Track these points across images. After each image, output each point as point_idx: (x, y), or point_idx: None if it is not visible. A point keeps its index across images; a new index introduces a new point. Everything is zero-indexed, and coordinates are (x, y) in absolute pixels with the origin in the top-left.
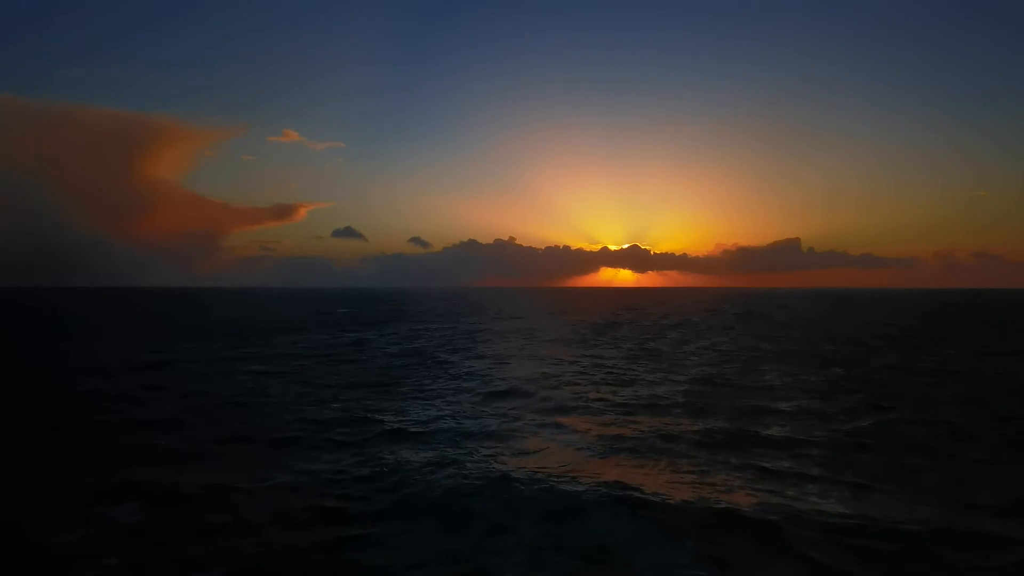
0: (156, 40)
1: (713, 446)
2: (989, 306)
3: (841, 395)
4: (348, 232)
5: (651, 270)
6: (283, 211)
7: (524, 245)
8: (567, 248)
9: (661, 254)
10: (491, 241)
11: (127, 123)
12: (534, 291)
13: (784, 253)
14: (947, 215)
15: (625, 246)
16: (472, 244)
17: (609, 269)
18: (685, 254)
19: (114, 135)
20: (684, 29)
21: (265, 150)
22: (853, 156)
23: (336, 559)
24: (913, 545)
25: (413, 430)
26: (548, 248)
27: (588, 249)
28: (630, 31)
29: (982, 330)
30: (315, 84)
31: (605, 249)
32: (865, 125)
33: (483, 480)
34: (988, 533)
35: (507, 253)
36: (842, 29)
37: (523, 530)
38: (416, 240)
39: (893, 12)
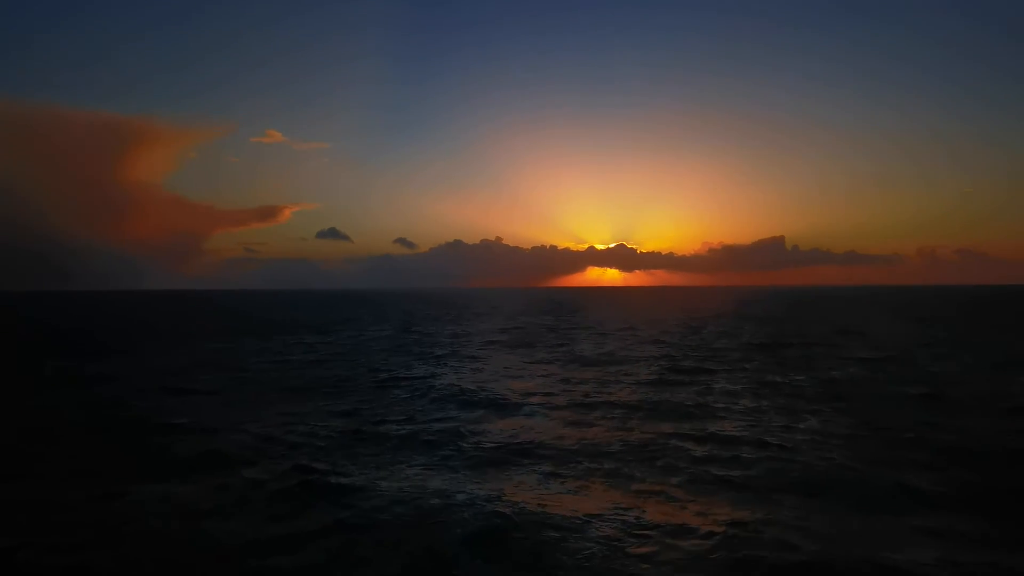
0: (139, 41)
1: None
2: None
3: None
4: (332, 233)
5: (638, 269)
6: (267, 212)
7: (511, 245)
8: (554, 248)
9: (647, 253)
10: (477, 241)
11: (108, 124)
12: (526, 292)
13: (769, 251)
14: (931, 212)
15: (612, 245)
16: (458, 245)
17: (596, 269)
18: (672, 253)
19: (95, 137)
20: (669, 27)
21: (248, 151)
22: (838, 153)
23: None
24: None
25: None
26: (535, 248)
27: (575, 249)
28: (615, 29)
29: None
30: (298, 85)
31: (592, 248)
32: (850, 121)
33: None
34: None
35: (494, 253)
36: (826, 24)
37: None
38: (402, 241)
39: (875, 5)
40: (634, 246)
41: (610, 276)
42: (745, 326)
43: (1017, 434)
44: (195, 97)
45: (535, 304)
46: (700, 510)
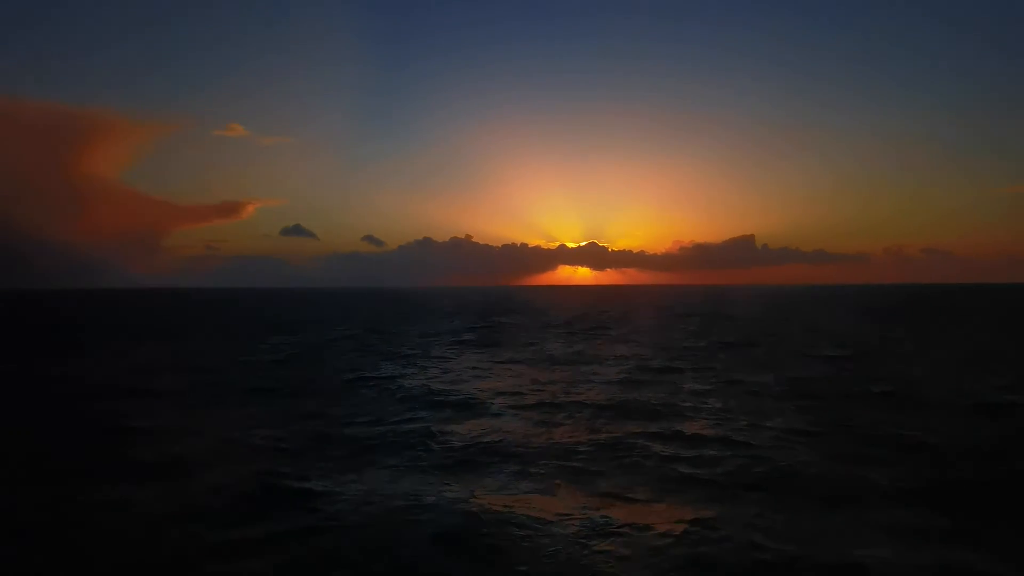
0: (96, 31)
1: None
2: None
3: None
4: (298, 230)
5: (609, 268)
6: (229, 209)
7: (481, 243)
8: (524, 246)
9: (619, 252)
10: (447, 239)
11: (62, 116)
12: (496, 290)
13: (739, 250)
14: (897, 211)
15: (583, 244)
16: (427, 242)
17: (567, 267)
18: (643, 251)
19: (48, 129)
20: (640, 24)
21: (210, 145)
22: (808, 152)
23: None
24: None
25: None
26: (505, 246)
27: (545, 247)
28: (587, 25)
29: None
30: (262, 77)
31: (563, 247)
32: (820, 122)
33: None
34: None
35: (463, 251)
36: (797, 25)
37: None
38: (370, 239)
39: (843, 5)
40: (605, 244)
41: (581, 275)
42: (714, 325)
43: (977, 430)
44: (153, 89)
45: (505, 303)
46: (666, 509)
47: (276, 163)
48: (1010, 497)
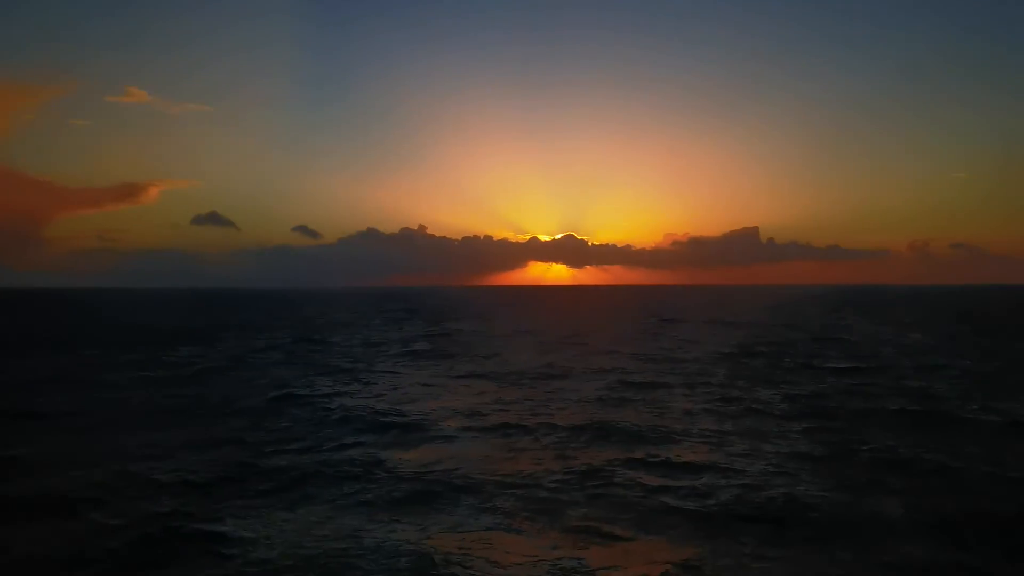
0: None
1: None
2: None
3: None
4: (214, 219)
5: (589, 265)
6: (128, 191)
7: (437, 235)
8: (489, 239)
9: (600, 246)
10: (396, 231)
11: None
12: (455, 291)
13: (741, 244)
14: (923, 201)
15: (558, 236)
16: (373, 234)
17: (540, 264)
18: (629, 246)
19: None
20: None
21: (103, 113)
22: (819, 134)
23: None
24: None
25: None
26: (466, 239)
27: (514, 240)
28: None
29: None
30: (170, 28)
31: (534, 240)
32: (833, 101)
33: None
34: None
35: (416, 245)
36: None
37: None
38: (303, 229)
39: None
40: (584, 237)
41: (556, 272)
42: (710, 332)
43: (1002, 456)
44: (28, 45)
45: (465, 306)
46: (647, 548)
47: (188, 137)
48: None
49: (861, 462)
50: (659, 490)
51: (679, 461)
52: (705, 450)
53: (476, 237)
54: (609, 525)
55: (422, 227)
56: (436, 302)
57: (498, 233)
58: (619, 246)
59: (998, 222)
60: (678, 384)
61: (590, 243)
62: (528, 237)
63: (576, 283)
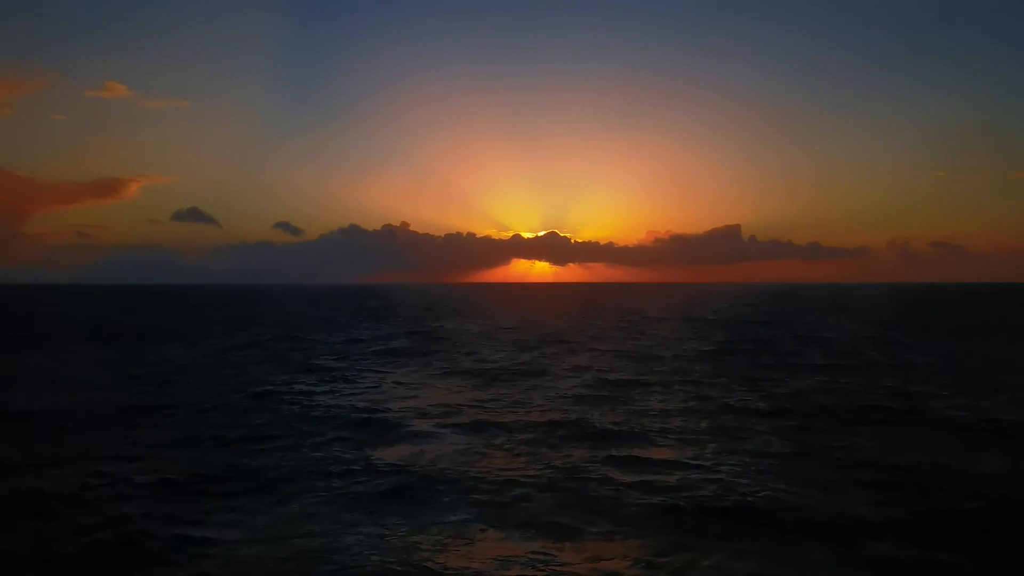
0: None
1: None
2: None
3: None
4: (195, 215)
5: (572, 262)
6: (107, 187)
7: (420, 232)
8: (471, 236)
9: (583, 243)
10: (379, 227)
11: None
12: (436, 288)
13: (723, 242)
14: (903, 199)
15: (541, 234)
16: (355, 231)
17: (522, 261)
18: (611, 243)
19: None
20: None
21: (81, 108)
22: (800, 133)
23: None
24: None
25: None
26: (448, 236)
27: (497, 237)
28: None
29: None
30: (149, 21)
31: (517, 237)
32: (814, 100)
33: None
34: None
35: (398, 242)
36: None
37: None
38: (284, 226)
39: None
40: (567, 235)
41: (539, 270)
42: (690, 330)
43: (979, 453)
44: (5, 38)
45: (446, 303)
46: (622, 547)
47: (168, 132)
48: (1008, 528)
49: (834, 462)
50: (634, 487)
51: (654, 459)
52: (680, 448)
53: (459, 234)
54: (582, 524)
55: (404, 224)
56: (418, 300)
57: (481, 230)
58: (602, 243)
59: (977, 220)
60: (656, 382)
61: (573, 240)
62: (511, 234)
63: (559, 280)
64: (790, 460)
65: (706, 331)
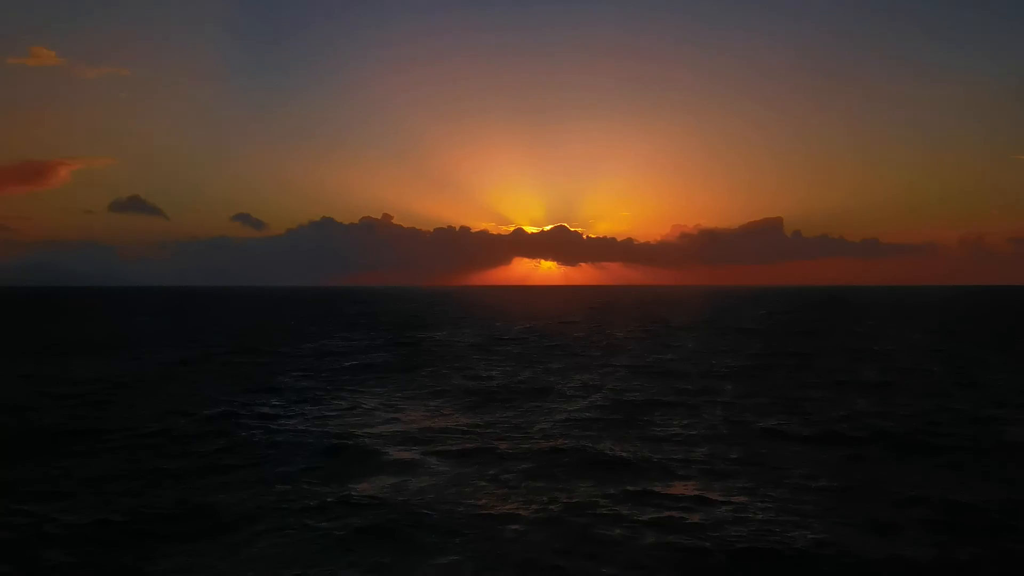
0: None
1: None
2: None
3: None
4: (136, 205)
5: (584, 261)
6: (32, 171)
7: (405, 226)
8: (466, 230)
9: (597, 239)
10: (356, 220)
11: None
12: (424, 292)
13: (762, 238)
14: (978, 188)
15: (548, 228)
16: (329, 225)
17: (526, 260)
18: (630, 239)
19: None
20: None
21: (2, 78)
22: (854, 110)
23: None
24: None
25: None
26: (439, 230)
27: (495, 232)
28: None
29: None
30: None
31: (520, 232)
32: (865, 70)
33: None
34: None
35: (380, 237)
36: None
37: None
38: (244, 218)
39: None
40: (579, 229)
41: (545, 271)
42: (721, 341)
43: None
44: None
45: (434, 310)
46: None
47: (105, 106)
48: None
49: (886, 500)
50: (650, 525)
51: (675, 494)
52: (707, 481)
53: (451, 228)
54: (589, 566)
55: (387, 216)
56: (402, 305)
57: (477, 224)
58: (619, 240)
59: None
60: (679, 403)
61: (585, 236)
62: (512, 229)
63: (568, 282)
64: (836, 496)
65: (740, 343)
